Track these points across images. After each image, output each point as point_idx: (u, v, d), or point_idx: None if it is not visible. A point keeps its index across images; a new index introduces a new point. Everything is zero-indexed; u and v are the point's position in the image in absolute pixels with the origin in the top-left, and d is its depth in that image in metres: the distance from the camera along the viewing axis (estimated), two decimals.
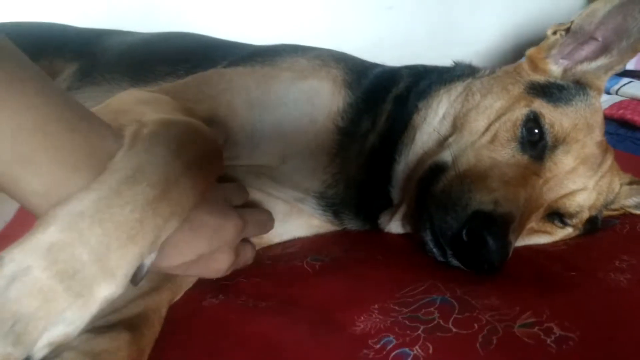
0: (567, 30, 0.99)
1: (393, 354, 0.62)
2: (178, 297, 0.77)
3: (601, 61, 0.98)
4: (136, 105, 0.71)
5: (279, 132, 0.97)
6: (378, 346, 0.64)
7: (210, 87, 0.96)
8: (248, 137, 0.95)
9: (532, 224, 0.90)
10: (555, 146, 0.88)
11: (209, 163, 0.63)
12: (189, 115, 0.80)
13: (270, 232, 0.98)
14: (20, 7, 2.01)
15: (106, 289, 0.50)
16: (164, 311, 0.71)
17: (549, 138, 0.88)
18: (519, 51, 2.82)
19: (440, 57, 2.90)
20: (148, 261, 0.57)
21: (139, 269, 0.54)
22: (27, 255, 0.47)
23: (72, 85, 1.31)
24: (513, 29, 2.79)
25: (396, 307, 0.72)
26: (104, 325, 0.63)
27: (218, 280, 0.82)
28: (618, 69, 0.99)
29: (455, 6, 2.77)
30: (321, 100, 0.99)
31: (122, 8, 2.17)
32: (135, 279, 0.55)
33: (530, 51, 1.05)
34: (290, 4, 2.54)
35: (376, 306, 0.72)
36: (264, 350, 0.65)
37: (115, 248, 0.50)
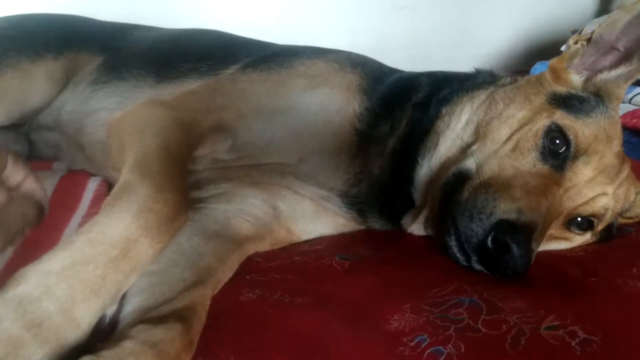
0: (588, 40, 1.02)
1: (428, 351, 0.66)
2: (217, 291, 0.81)
3: (621, 70, 1.00)
4: (127, 143, 0.84)
5: (291, 132, 1.02)
6: (413, 344, 0.68)
7: (222, 97, 1.03)
8: (258, 138, 1.00)
9: (552, 230, 0.94)
10: (576, 157, 0.91)
11: (169, 223, 0.71)
12: (194, 129, 0.93)
13: (299, 229, 1.04)
14: None
15: (72, 337, 0.59)
16: (208, 304, 0.75)
17: (571, 149, 0.91)
18: (531, 54, 2.86)
19: (451, 58, 2.95)
20: (110, 312, 0.69)
21: (101, 318, 0.65)
22: None
23: (99, 79, 1.34)
24: (525, 32, 2.81)
25: (427, 307, 0.76)
26: (157, 316, 0.68)
27: (252, 275, 0.87)
28: (638, 76, 1.02)
29: (468, 8, 2.80)
30: (334, 105, 1.03)
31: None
32: (98, 327, 0.64)
33: (553, 61, 1.08)
34: (303, 3, 2.56)
35: (408, 305, 0.76)
36: (305, 345, 0.68)
37: (79, 301, 0.60)
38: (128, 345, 0.59)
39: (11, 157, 0.75)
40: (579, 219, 0.95)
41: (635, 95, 1.72)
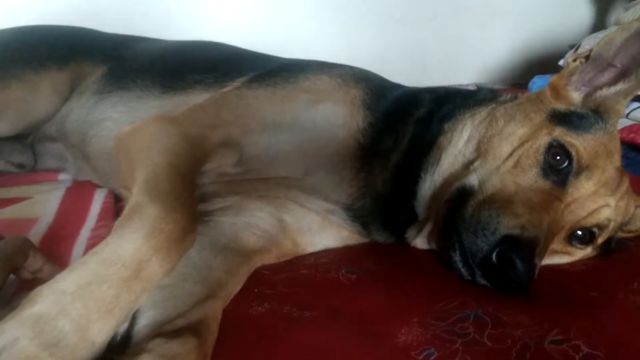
0: (587, 57, 1.04)
1: None
2: (226, 304, 0.83)
3: (620, 86, 1.02)
4: (137, 161, 0.86)
5: (296, 147, 1.03)
6: (421, 357, 0.70)
7: (228, 112, 1.05)
8: (264, 152, 1.02)
9: (554, 245, 0.96)
10: (578, 172, 0.93)
11: (178, 244, 0.72)
12: (202, 144, 0.96)
13: (305, 242, 1.06)
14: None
15: (87, 355, 0.60)
16: (219, 318, 0.77)
17: (573, 165, 0.93)
18: (528, 68, 2.89)
19: (449, 70, 2.97)
20: (121, 329, 0.70)
21: (113, 335, 0.65)
22: (16, 327, 0.57)
23: (103, 89, 1.36)
24: (522, 45, 2.85)
25: (433, 321, 0.78)
26: (172, 330, 0.69)
27: (260, 288, 0.89)
28: (637, 92, 1.04)
29: (464, 20, 2.83)
30: (339, 119, 1.05)
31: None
32: (110, 344, 0.64)
33: (552, 79, 1.09)
34: (301, 14, 2.59)
35: (416, 319, 0.78)
36: (315, 359, 0.70)
37: (94, 320, 0.61)
38: (145, 358, 0.61)
39: (32, 250, 0.80)
40: (580, 232, 0.97)
41: (632, 111, 1.75)
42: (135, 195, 0.74)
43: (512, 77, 2.82)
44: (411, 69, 2.65)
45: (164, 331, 0.69)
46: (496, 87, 2.67)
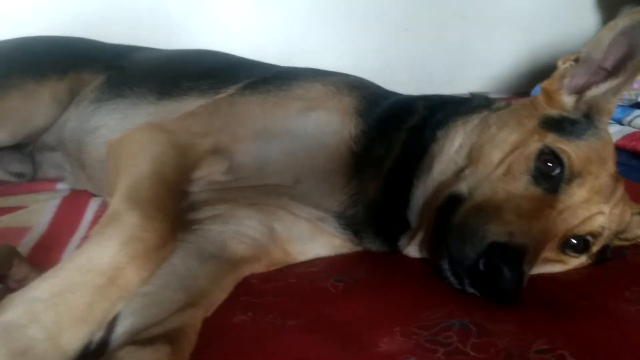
0: (576, 60, 1.02)
1: None
2: (210, 313, 0.82)
3: (609, 84, 1.00)
4: (122, 168, 0.86)
5: (287, 154, 1.03)
6: None
7: (219, 119, 1.05)
8: (254, 159, 1.01)
9: (547, 253, 0.94)
10: (570, 179, 0.91)
11: (156, 252, 0.72)
12: (192, 152, 0.95)
13: (296, 250, 1.05)
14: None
15: None
16: (199, 326, 0.76)
17: (564, 171, 0.92)
18: (533, 75, 2.87)
19: (454, 79, 2.96)
20: (96, 337, 0.69)
21: (88, 343, 0.64)
22: None
23: (101, 97, 1.36)
24: (527, 53, 2.83)
25: (417, 330, 0.76)
26: (147, 337, 0.69)
27: (246, 297, 0.88)
28: (626, 88, 1.02)
29: (471, 30, 2.82)
30: (331, 127, 1.04)
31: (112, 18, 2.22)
32: (85, 352, 0.64)
33: (545, 84, 1.08)
34: (306, 25, 2.59)
35: (398, 328, 0.76)
36: None
37: (67, 328, 0.60)
38: None
39: (17, 258, 0.81)
40: (574, 240, 0.95)
41: (634, 118, 1.73)
42: (115, 203, 0.74)
43: (518, 86, 2.81)
44: (417, 78, 2.64)
45: (138, 339, 0.68)
46: (502, 96, 2.65)
